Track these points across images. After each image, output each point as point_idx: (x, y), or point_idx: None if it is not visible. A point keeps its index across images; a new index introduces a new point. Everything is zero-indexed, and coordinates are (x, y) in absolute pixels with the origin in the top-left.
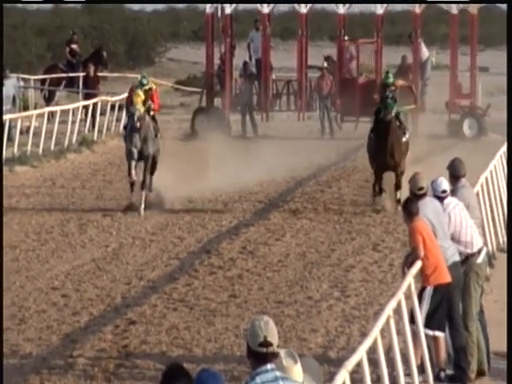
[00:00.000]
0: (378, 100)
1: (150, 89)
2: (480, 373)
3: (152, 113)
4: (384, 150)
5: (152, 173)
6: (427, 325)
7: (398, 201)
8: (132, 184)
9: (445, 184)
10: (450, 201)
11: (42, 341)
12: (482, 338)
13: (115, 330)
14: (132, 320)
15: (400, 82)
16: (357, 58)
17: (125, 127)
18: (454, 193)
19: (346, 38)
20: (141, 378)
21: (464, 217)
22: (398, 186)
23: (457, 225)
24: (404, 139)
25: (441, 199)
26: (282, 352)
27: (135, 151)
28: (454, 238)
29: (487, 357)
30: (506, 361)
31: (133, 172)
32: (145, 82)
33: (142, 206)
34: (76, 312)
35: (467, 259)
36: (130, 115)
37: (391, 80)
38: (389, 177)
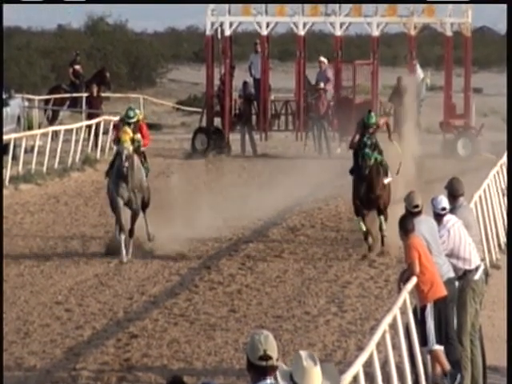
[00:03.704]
0: (358, 141)
1: (138, 121)
2: None
3: (142, 148)
4: (363, 192)
5: (144, 210)
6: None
7: (382, 243)
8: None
9: (444, 202)
10: (449, 218)
11: (46, 354)
12: (480, 354)
13: (117, 344)
14: (134, 334)
15: (381, 122)
16: (334, 79)
17: (110, 167)
18: (452, 211)
19: (323, 59)
20: None
21: (463, 234)
22: (379, 211)
23: (456, 241)
24: (386, 180)
25: (440, 216)
26: (303, 353)
27: (121, 205)
28: (453, 254)
29: (484, 373)
30: (504, 376)
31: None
32: (131, 114)
33: (124, 252)
34: (79, 326)
35: (464, 275)
36: (118, 154)
37: (373, 120)
38: (372, 219)
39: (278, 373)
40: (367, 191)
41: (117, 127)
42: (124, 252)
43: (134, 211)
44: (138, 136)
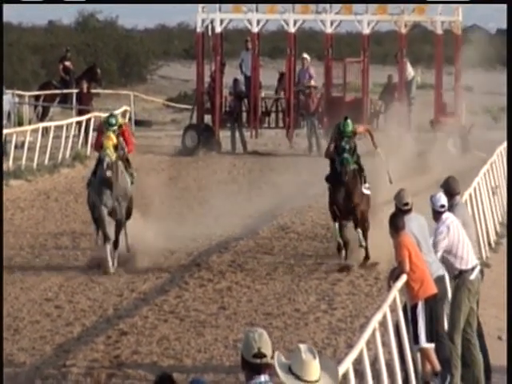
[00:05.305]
0: (334, 150)
1: (120, 126)
2: None
3: (125, 153)
4: (341, 199)
5: (127, 218)
6: (427, 339)
7: (366, 257)
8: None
9: (443, 199)
10: (447, 215)
11: (36, 351)
12: (480, 354)
13: (107, 341)
14: (124, 331)
15: (360, 129)
16: (315, 76)
17: (93, 175)
18: (449, 210)
19: (306, 56)
20: None
21: (461, 233)
22: (355, 223)
23: (454, 239)
24: (364, 188)
25: (439, 214)
26: (302, 346)
27: (105, 214)
28: (451, 252)
29: (488, 371)
30: (496, 373)
31: (107, 245)
32: (113, 121)
33: (111, 263)
34: (69, 323)
35: (460, 274)
36: (99, 162)
37: (350, 128)
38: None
39: (276, 364)
40: (345, 199)
41: (99, 132)
42: (110, 263)
43: (119, 221)
44: (122, 141)
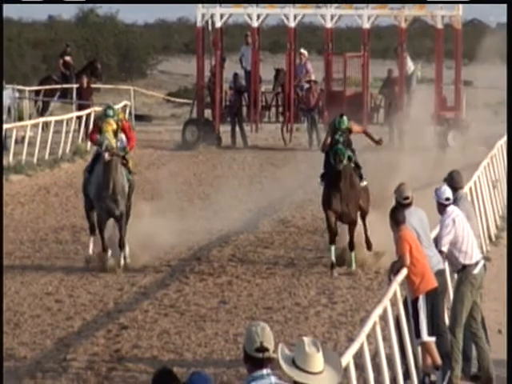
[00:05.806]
0: (329, 143)
1: (120, 120)
2: (488, 381)
3: (126, 150)
4: (336, 199)
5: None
6: (428, 332)
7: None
8: (104, 249)
9: (448, 192)
10: (452, 209)
11: (37, 345)
12: (487, 345)
13: (108, 335)
14: (124, 325)
15: (356, 128)
16: (312, 71)
17: (88, 170)
18: (453, 204)
19: (303, 51)
20: (133, 381)
21: (466, 227)
22: (351, 245)
23: (459, 232)
24: (362, 184)
25: (444, 207)
26: (306, 339)
27: (104, 216)
28: (456, 246)
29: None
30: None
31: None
32: (110, 113)
33: (122, 262)
34: (69, 317)
35: (464, 268)
36: (97, 154)
37: (345, 125)
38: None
39: (280, 357)
40: (341, 202)
41: (95, 126)
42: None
43: (119, 220)
44: (123, 136)
